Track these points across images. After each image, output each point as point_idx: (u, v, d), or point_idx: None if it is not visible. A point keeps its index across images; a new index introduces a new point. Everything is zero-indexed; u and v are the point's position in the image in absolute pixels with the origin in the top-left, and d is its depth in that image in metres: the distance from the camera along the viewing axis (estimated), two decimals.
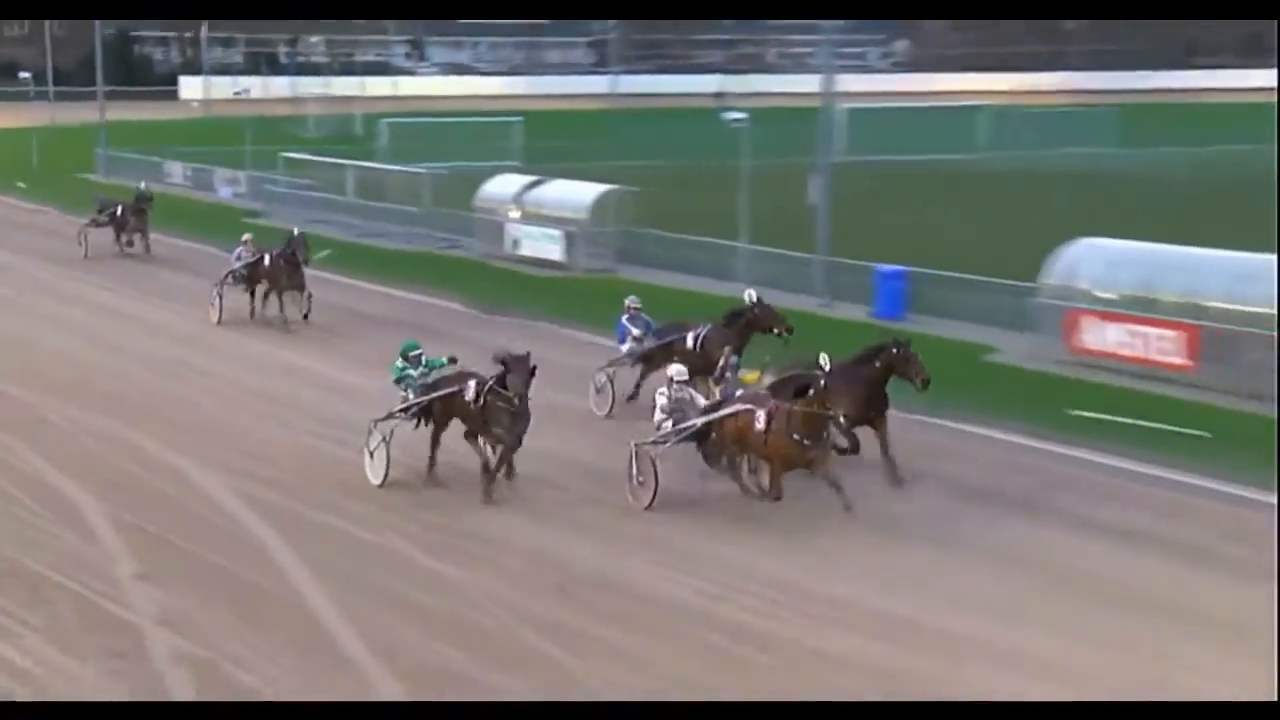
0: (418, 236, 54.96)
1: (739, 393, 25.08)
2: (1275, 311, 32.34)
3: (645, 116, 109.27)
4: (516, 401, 23.26)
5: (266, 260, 38.56)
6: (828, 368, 22.85)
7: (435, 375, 25.51)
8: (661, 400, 24.50)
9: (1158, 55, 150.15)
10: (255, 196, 70.18)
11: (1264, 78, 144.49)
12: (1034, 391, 32.29)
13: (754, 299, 30.81)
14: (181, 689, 17.21)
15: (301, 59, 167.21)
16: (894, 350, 25.81)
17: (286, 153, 74.83)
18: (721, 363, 27.53)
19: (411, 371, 25.01)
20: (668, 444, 24.01)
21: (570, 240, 50.31)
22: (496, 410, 23.53)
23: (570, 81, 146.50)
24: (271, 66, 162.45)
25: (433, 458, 25.31)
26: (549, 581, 21.28)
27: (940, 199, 68.19)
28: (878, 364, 25.84)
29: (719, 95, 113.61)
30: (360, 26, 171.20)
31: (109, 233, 52.66)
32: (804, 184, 45.34)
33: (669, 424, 24.23)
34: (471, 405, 24.03)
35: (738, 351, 29.31)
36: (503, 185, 54.90)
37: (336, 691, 17.26)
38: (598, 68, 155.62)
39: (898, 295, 41.01)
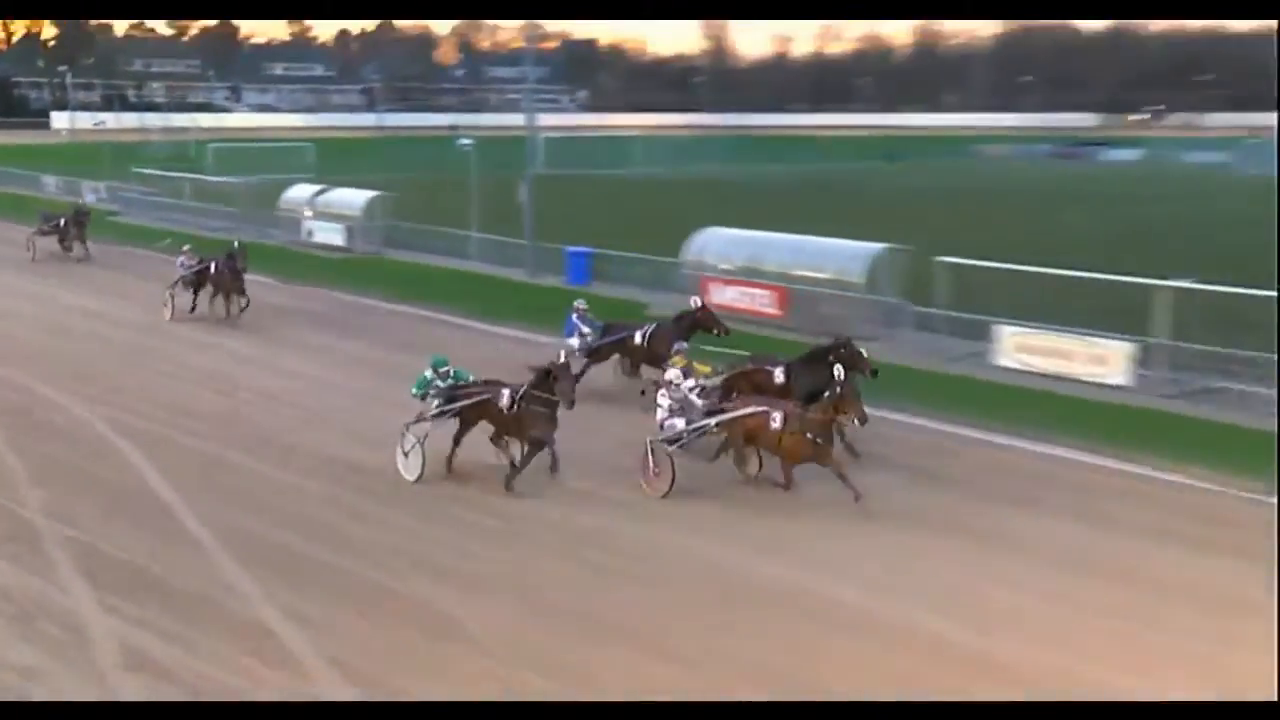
0: (237, 229, 53.73)
1: (689, 382, 21.33)
2: (836, 277, 33.74)
3: (402, 143, 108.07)
4: (566, 405, 19.77)
5: (213, 268, 35.15)
6: (842, 377, 19.16)
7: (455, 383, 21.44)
8: (665, 401, 20.59)
9: (757, 101, 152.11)
10: (113, 201, 67.59)
11: (828, 119, 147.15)
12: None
13: (699, 304, 26.93)
14: (65, 563, 16.97)
15: (147, 99, 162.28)
16: (843, 350, 22.10)
17: (137, 168, 72.70)
18: (679, 362, 22.50)
19: (439, 383, 20.94)
20: (683, 441, 20.21)
21: (350, 231, 50.03)
22: (532, 415, 19.89)
23: (347, 118, 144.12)
24: (123, 104, 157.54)
25: (453, 452, 21.00)
26: (393, 491, 20.43)
27: (610, 201, 68.63)
28: (832, 361, 21.58)
29: (454, 128, 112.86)
30: (190, 75, 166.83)
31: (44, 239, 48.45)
32: (515, 190, 45.60)
33: (679, 422, 20.38)
34: (506, 411, 20.25)
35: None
36: (299, 192, 54.30)
37: (178, 557, 17.22)
38: (367, 108, 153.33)
39: (583, 268, 41.44)
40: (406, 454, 20.71)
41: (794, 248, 36.29)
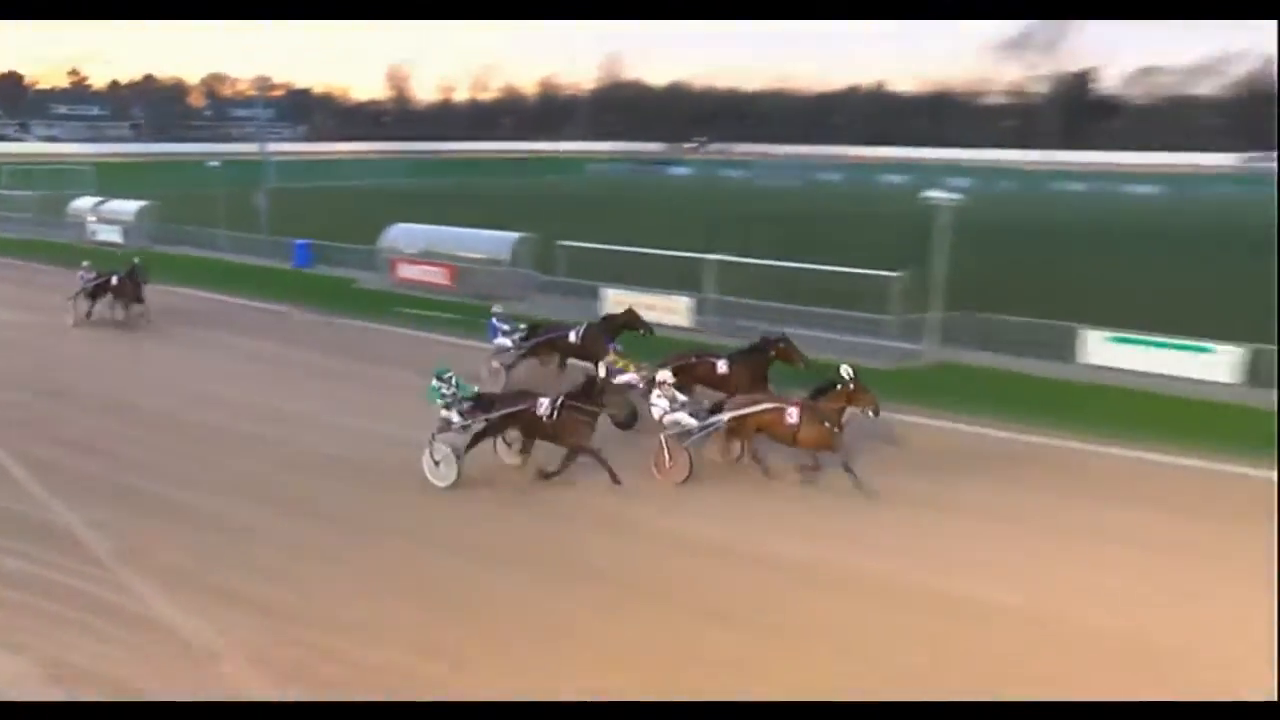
0: (33, 231, 49.63)
1: (631, 375, 18.17)
2: (489, 256, 33.63)
3: (163, 166, 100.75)
4: (622, 415, 16.49)
5: (114, 280, 29.14)
6: (849, 375, 15.88)
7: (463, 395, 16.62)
8: (664, 402, 16.84)
9: (430, 133, 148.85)
10: None
11: (480, 146, 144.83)
12: (379, 300, 32.11)
13: (626, 308, 23.00)
14: None
15: None
16: (780, 344, 19.26)
17: None
18: (610, 359, 19.06)
19: (445, 391, 16.34)
20: (695, 436, 16.47)
21: (126, 231, 46.29)
22: (574, 423, 15.87)
23: (120, 147, 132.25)
24: None
25: (470, 447, 16.35)
26: (187, 431, 19.23)
27: (324, 206, 65.76)
28: (772, 354, 19.20)
29: (205, 155, 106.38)
30: None
31: None
32: (253, 199, 43.70)
33: (684, 416, 16.70)
34: (545, 420, 16.04)
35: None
36: (84, 201, 49.64)
37: None
38: (135, 139, 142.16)
39: (306, 255, 39.59)
40: (438, 463, 16.18)
41: (458, 236, 35.77)
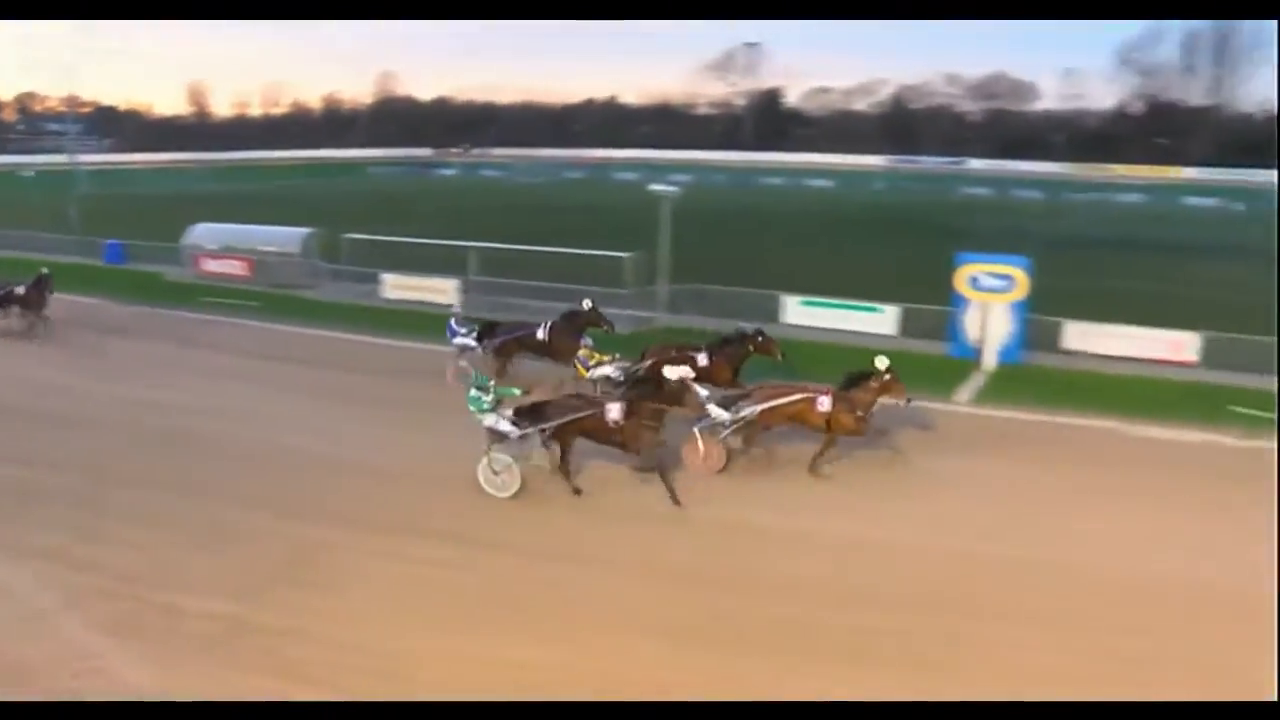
0: None
1: (602, 369, 16.34)
2: (281, 250, 31.82)
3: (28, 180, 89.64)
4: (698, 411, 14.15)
5: (21, 290, 23.94)
6: (883, 366, 14.31)
7: (508, 401, 14.08)
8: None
9: (228, 144, 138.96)
10: None
11: (271, 154, 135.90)
12: (186, 290, 30.16)
13: (589, 305, 19.22)
14: None
15: None
16: (758, 338, 17.17)
17: None
18: (582, 352, 17.08)
19: (486, 399, 13.67)
20: (729, 430, 14.51)
21: None
22: (641, 429, 13.27)
23: None
24: None
25: (565, 464, 13.75)
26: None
27: (132, 208, 60.03)
28: (751, 349, 17.06)
29: (19, 165, 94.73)
30: None
31: None
32: (67, 204, 39.80)
33: (717, 409, 14.56)
34: (613, 425, 13.39)
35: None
36: None
37: None
38: None
39: (118, 253, 36.25)
40: (497, 473, 13.54)
41: (254, 232, 33.73)
